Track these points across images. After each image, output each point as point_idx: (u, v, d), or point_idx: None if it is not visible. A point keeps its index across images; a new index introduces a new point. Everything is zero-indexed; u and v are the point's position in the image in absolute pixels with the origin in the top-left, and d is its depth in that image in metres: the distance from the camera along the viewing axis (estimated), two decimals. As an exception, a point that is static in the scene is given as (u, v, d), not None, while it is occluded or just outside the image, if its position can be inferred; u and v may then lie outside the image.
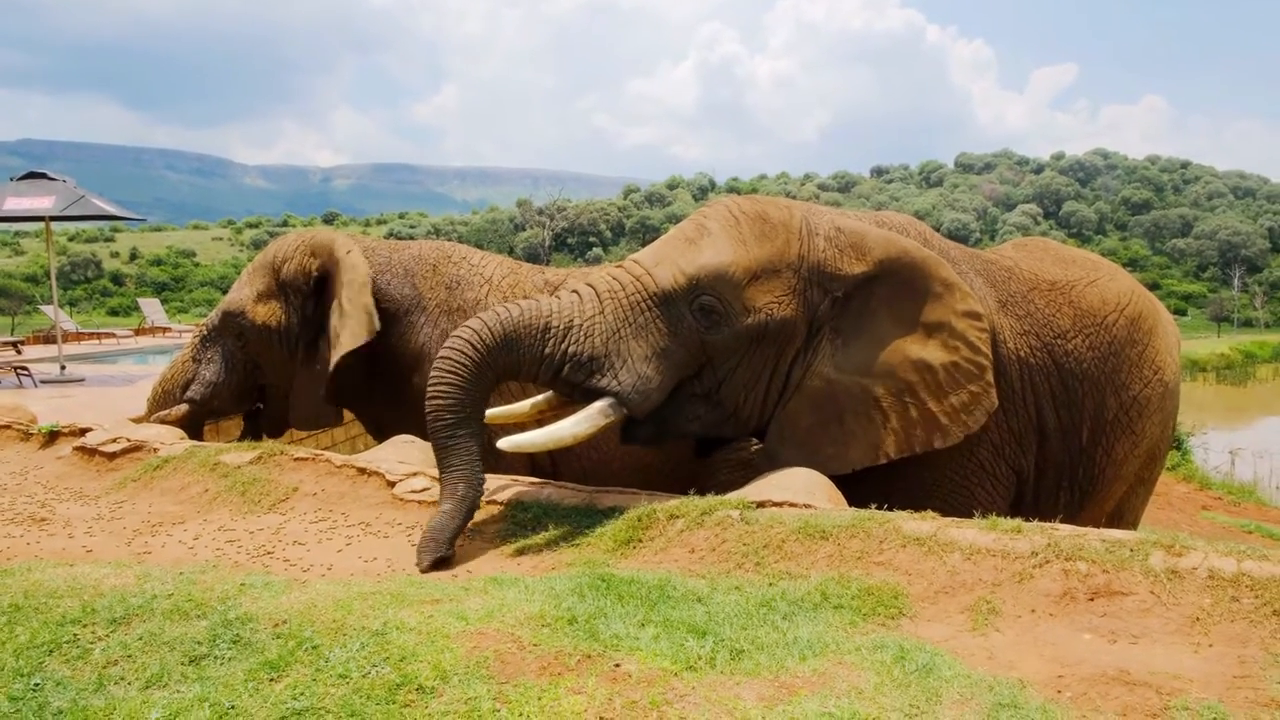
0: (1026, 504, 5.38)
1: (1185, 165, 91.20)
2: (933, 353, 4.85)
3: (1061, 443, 5.42)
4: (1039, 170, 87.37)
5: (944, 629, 3.17)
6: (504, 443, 4.55)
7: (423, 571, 4.05)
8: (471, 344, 4.43)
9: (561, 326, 4.60)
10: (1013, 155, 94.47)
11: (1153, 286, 66.22)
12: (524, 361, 4.55)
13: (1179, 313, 59.03)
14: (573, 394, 4.70)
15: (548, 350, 4.56)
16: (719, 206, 5.04)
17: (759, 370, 4.84)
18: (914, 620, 3.25)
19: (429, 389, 4.42)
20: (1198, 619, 3.04)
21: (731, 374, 4.81)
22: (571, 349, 4.57)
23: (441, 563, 4.11)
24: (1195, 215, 75.94)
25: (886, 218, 5.41)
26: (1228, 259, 73.12)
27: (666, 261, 4.80)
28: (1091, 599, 3.20)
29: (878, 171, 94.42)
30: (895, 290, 4.90)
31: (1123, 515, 5.96)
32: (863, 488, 4.69)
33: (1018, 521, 3.68)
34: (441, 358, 4.45)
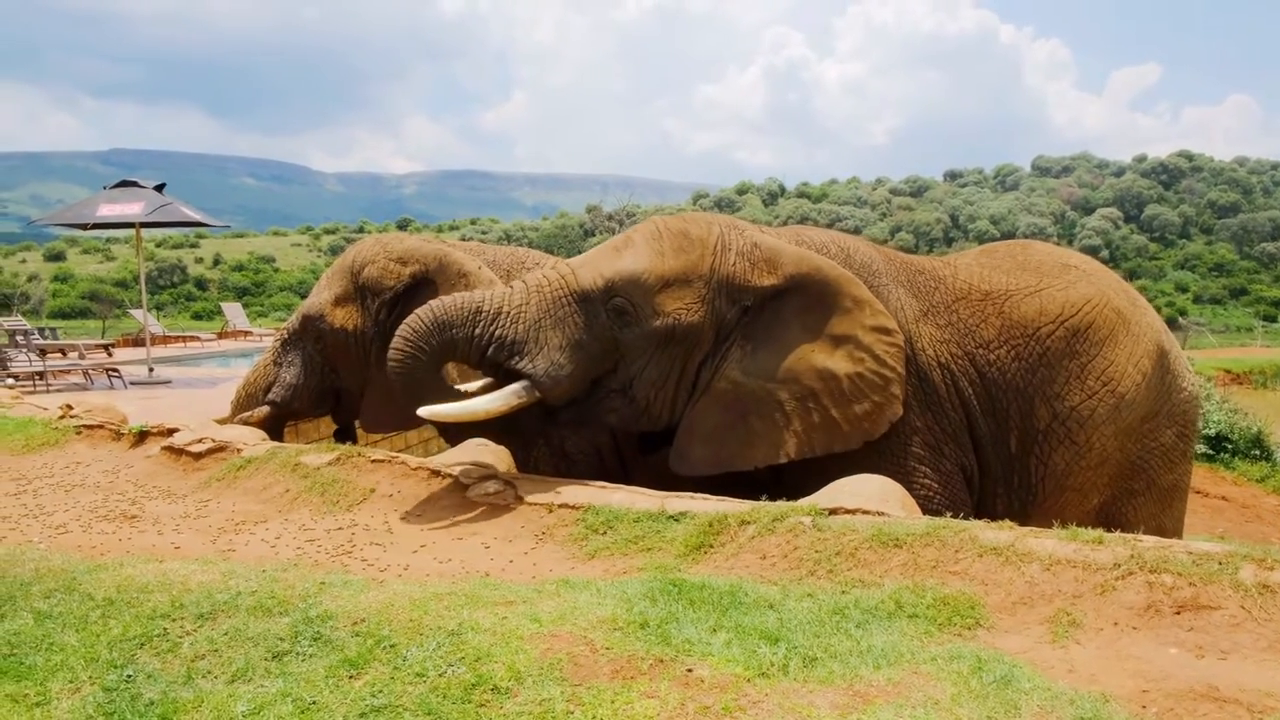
0: (974, 505, 5.48)
1: (1276, 166, 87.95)
2: (838, 363, 5.16)
3: (993, 449, 5.52)
4: (1119, 173, 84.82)
5: (1022, 640, 3.11)
6: (423, 411, 5.09)
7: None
8: (413, 327, 5.11)
9: (491, 312, 5.16)
10: (1092, 158, 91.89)
11: (1240, 292, 63.84)
12: (458, 342, 5.14)
13: (1268, 319, 56.86)
14: (497, 374, 5.25)
15: (477, 332, 5.13)
16: (650, 222, 5.50)
17: (667, 370, 5.22)
18: (991, 631, 3.19)
19: (389, 362, 5.14)
20: (1291, 636, 2.94)
21: (642, 371, 5.21)
22: (497, 332, 5.13)
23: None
24: (1286, 218, 73.20)
25: (807, 234, 5.71)
26: (1321, 263, 70.23)
27: (590, 265, 5.32)
28: (1178, 612, 3.11)
29: (951, 175, 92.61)
30: (806, 303, 5.23)
31: (1120, 528, 5.65)
32: (794, 483, 4.88)
33: (1099, 532, 3.60)
34: (395, 338, 5.15)
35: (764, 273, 5.23)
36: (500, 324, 5.14)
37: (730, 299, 5.21)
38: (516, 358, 5.12)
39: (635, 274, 5.17)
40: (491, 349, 5.13)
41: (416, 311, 5.22)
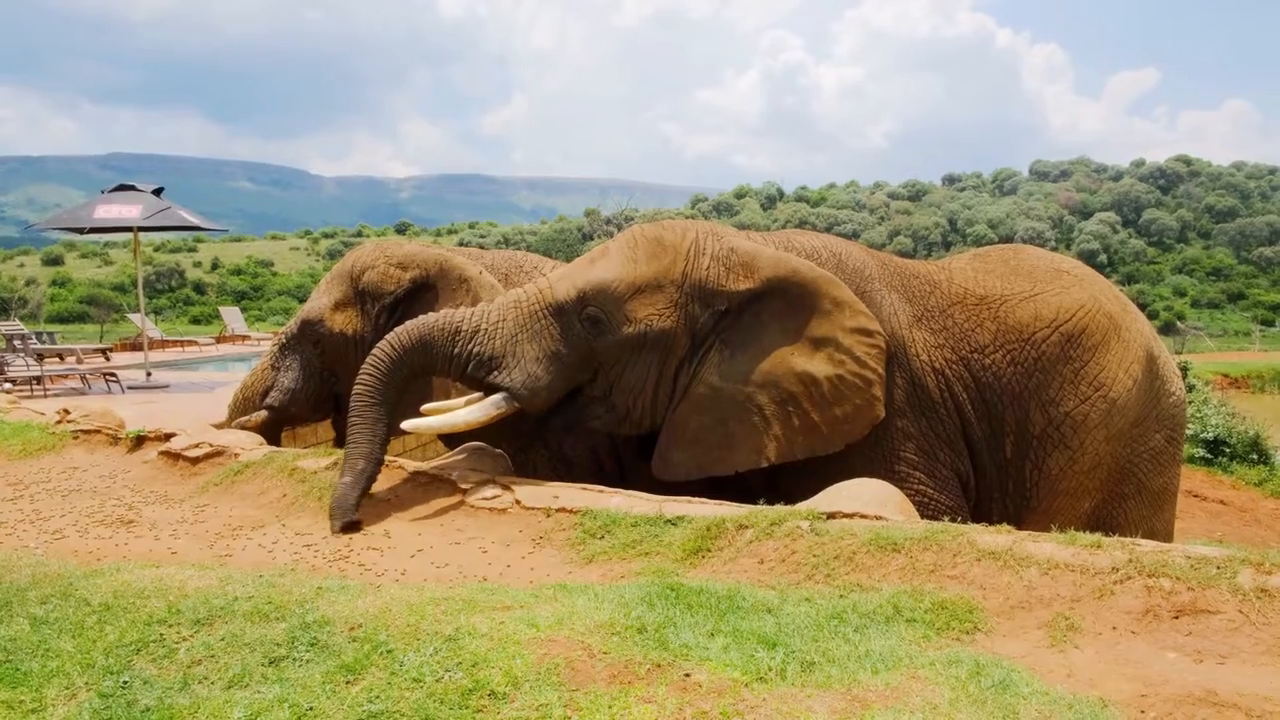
0: (970, 510, 5.52)
1: (1273, 171, 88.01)
2: (818, 366, 5.17)
3: (988, 453, 5.55)
4: (1118, 177, 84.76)
5: (1020, 645, 3.11)
6: (407, 424, 5.23)
7: (334, 534, 4.77)
8: (392, 344, 5.21)
9: (469, 330, 5.27)
10: (1090, 163, 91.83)
11: (1238, 296, 63.88)
12: (437, 360, 5.27)
13: (1266, 323, 56.87)
14: (478, 388, 5.35)
15: (456, 350, 5.24)
16: (628, 231, 5.57)
17: (644, 375, 5.28)
18: (989, 635, 3.19)
19: (357, 379, 5.21)
20: (1289, 640, 2.94)
21: (619, 377, 5.29)
22: (475, 349, 5.24)
23: (351, 526, 4.81)
24: (1284, 222, 73.25)
25: (798, 239, 5.73)
26: (1319, 268, 70.25)
27: (566, 278, 5.39)
28: (1176, 617, 3.11)
29: (949, 180, 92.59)
30: (786, 306, 5.24)
31: (1112, 531, 5.73)
32: (788, 488, 4.86)
33: (1097, 536, 3.61)
34: (369, 356, 5.25)
35: (739, 277, 5.25)
36: (478, 341, 5.24)
37: (703, 303, 5.25)
38: (495, 372, 5.22)
39: (607, 282, 5.25)
40: (470, 366, 5.24)
41: (397, 330, 5.31)
